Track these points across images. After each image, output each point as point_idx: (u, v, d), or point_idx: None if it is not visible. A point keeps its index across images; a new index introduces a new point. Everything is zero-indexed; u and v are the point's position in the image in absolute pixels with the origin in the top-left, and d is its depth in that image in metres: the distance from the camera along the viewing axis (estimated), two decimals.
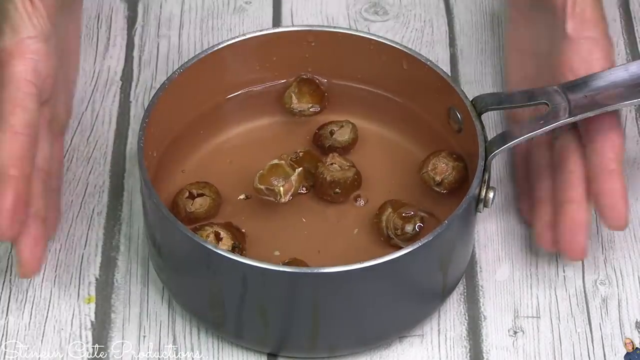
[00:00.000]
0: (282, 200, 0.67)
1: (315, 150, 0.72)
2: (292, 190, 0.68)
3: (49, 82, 0.66)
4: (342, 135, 0.72)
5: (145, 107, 0.77)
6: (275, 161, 0.69)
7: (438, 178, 0.69)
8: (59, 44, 0.67)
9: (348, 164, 0.70)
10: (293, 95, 0.73)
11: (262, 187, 0.68)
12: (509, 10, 0.75)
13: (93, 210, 0.73)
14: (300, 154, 0.71)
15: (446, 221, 0.63)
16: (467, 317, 0.68)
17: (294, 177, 0.68)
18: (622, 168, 0.65)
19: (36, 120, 0.64)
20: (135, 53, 0.81)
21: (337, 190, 0.69)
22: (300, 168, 0.68)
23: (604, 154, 0.65)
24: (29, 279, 0.69)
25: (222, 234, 0.66)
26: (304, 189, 0.70)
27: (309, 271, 0.62)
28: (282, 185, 0.67)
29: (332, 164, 0.70)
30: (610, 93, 0.66)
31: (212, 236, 0.65)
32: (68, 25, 0.69)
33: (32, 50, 0.64)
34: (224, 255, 0.62)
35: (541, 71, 0.69)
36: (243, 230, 0.68)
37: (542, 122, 0.65)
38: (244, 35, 0.72)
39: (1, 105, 0.63)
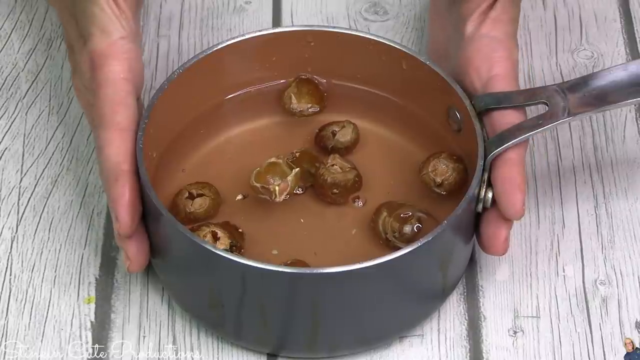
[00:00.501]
0: (277, 199, 0.67)
1: (318, 151, 0.72)
2: (288, 190, 0.68)
3: (141, 81, 0.68)
4: (344, 136, 0.72)
5: (145, 107, 0.77)
6: (274, 159, 0.69)
7: (438, 179, 0.69)
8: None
9: (349, 166, 0.70)
10: (292, 95, 0.73)
11: (258, 185, 0.68)
12: (429, 14, 0.76)
13: (93, 210, 0.73)
14: (297, 154, 0.71)
15: (446, 221, 0.63)
16: (467, 317, 0.68)
17: (290, 178, 0.68)
18: (523, 162, 0.65)
19: (137, 117, 0.66)
20: None
21: (334, 190, 0.69)
22: (298, 168, 0.68)
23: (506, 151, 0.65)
24: (30, 279, 0.69)
25: (220, 233, 0.66)
26: (300, 189, 0.70)
27: (309, 271, 0.62)
28: (278, 185, 0.67)
29: (333, 165, 0.70)
30: (610, 92, 0.66)
31: (209, 236, 0.65)
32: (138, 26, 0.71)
33: (125, 50, 0.66)
34: (223, 256, 0.62)
35: (453, 73, 0.70)
36: (240, 230, 0.68)
37: (541, 121, 0.65)
38: (243, 35, 0.71)
39: (102, 104, 0.66)
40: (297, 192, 0.70)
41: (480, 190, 0.65)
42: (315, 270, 0.62)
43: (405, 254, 0.62)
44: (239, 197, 0.70)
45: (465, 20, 0.70)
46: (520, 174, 0.65)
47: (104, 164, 0.65)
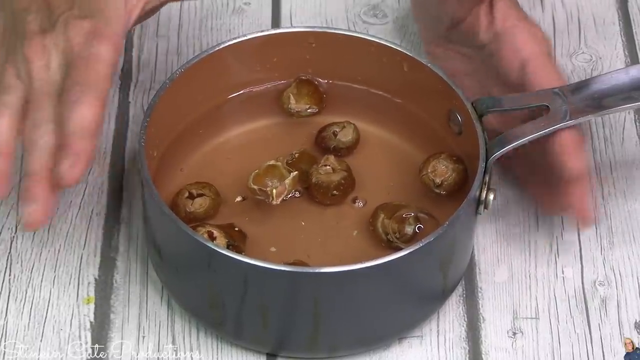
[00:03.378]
0: (274, 202, 0.67)
1: (318, 152, 0.72)
2: (285, 193, 0.68)
3: None
4: (346, 136, 0.72)
5: (145, 107, 0.77)
6: (272, 162, 0.69)
7: (438, 180, 0.69)
8: None
9: (340, 167, 0.70)
10: (291, 95, 0.74)
11: (256, 187, 0.68)
12: (425, 45, 0.76)
13: (92, 210, 0.73)
14: (296, 155, 0.71)
15: (447, 222, 0.63)
16: (466, 319, 0.69)
17: (287, 181, 0.68)
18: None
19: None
20: (134, 53, 0.81)
21: (321, 191, 0.69)
22: (296, 172, 0.68)
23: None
24: (29, 279, 0.69)
25: (216, 233, 0.66)
26: (298, 192, 0.70)
27: (310, 271, 0.62)
28: (275, 188, 0.68)
29: (324, 165, 0.70)
30: (611, 96, 0.66)
31: (205, 236, 0.65)
32: None
33: (120, 44, 0.62)
34: (225, 255, 0.62)
35: (483, 85, 0.71)
36: (237, 229, 0.68)
37: (542, 124, 0.66)
38: (245, 35, 0.72)
39: (87, 70, 0.60)
40: (295, 195, 0.70)
41: (481, 192, 0.66)
42: (317, 270, 0.62)
43: (406, 254, 0.62)
44: (239, 198, 0.70)
45: (476, 33, 0.70)
46: (574, 137, 0.65)
47: (97, 63, 0.60)
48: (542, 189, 0.70)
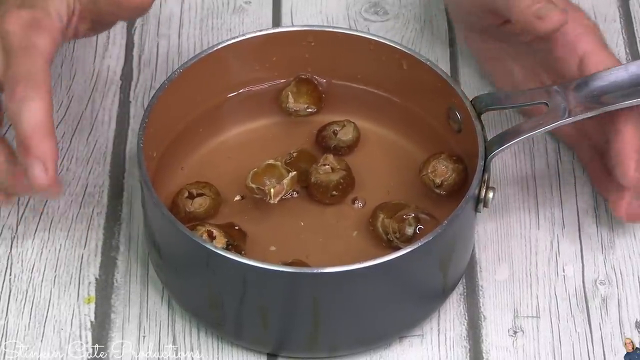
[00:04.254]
0: (272, 201, 0.67)
1: (319, 151, 0.72)
2: (283, 192, 0.68)
3: None
4: (346, 135, 0.72)
5: (145, 106, 0.77)
6: (271, 161, 0.69)
7: (438, 180, 0.69)
8: None
9: (339, 166, 0.70)
10: (290, 94, 0.73)
11: (254, 186, 0.68)
12: (463, 32, 0.76)
13: (93, 210, 0.73)
14: (294, 154, 0.71)
15: (446, 221, 0.63)
16: (466, 317, 0.68)
17: (286, 181, 0.68)
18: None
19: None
20: (135, 52, 0.81)
21: (320, 190, 0.69)
22: (295, 172, 0.68)
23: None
24: (30, 279, 0.69)
25: (215, 232, 0.66)
26: (296, 192, 0.70)
27: (309, 271, 0.62)
28: (273, 187, 0.68)
29: (324, 165, 0.70)
30: (610, 93, 0.66)
31: (205, 235, 0.65)
32: None
33: (58, 37, 0.60)
34: (223, 255, 0.62)
35: (529, 75, 0.71)
36: (237, 227, 0.68)
37: (542, 122, 0.65)
38: (244, 35, 0.72)
39: (27, 62, 0.58)
40: (293, 195, 0.70)
41: (480, 190, 0.66)
42: (316, 270, 0.62)
43: (405, 254, 0.62)
44: (237, 197, 0.70)
45: (522, 34, 0.69)
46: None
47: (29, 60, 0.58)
48: (602, 175, 0.71)
